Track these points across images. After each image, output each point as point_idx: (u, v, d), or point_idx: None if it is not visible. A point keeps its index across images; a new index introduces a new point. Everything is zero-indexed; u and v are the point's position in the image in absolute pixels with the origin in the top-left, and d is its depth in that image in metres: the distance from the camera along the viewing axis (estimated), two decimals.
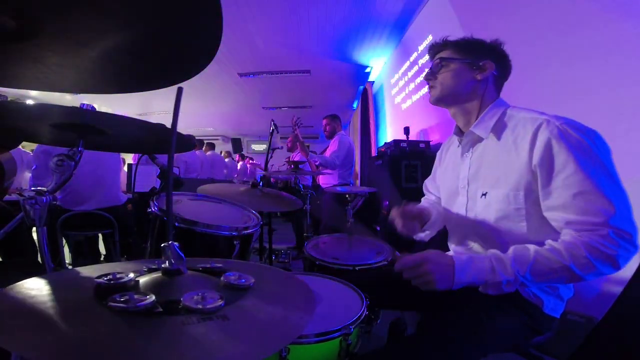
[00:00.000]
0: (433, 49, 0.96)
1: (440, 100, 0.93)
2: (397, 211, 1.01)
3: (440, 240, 1.12)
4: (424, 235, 1.07)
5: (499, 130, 0.86)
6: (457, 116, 0.96)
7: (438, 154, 1.15)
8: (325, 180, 3.35)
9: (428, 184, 1.21)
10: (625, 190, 0.71)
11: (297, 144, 3.15)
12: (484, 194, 0.87)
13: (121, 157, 2.71)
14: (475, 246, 0.92)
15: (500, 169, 0.84)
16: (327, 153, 3.36)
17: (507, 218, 0.82)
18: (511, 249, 0.75)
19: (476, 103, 0.91)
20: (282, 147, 5.09)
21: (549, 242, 0.74)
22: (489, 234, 0.86)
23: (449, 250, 1.05)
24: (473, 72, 0.89)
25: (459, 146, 0.98)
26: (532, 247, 0.74)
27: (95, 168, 2.22)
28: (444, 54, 0.93)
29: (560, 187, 0.73)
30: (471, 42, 0.92)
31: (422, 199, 1.23)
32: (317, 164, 3.15)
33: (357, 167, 6.18)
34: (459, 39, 0.93)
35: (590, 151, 0.71)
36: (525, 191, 0.79)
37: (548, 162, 0.74)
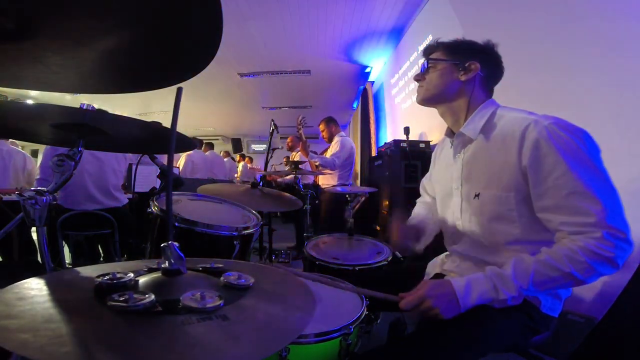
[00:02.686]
0: (426, 51, 0.97)
1: (425, 100, 0.95)
2: (395, 226, 1.02)
3: (434, 243, 1.12)
4: (418, 248, 1.07)
5: (488, 130, 0.87)
6: (446, 116, 0.96)
7: (433, 155, 1.15)
8: (325, 180, 3.35)
9: (425, 183, 1.22)
10: (616, 188, 0.71)
11: (300, 143, 3.16)
12: (477, 195, 0.87)
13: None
14: (467, 248, 0.92)
15: (491, 170, 0.84)
16: (328, 154, 3.37)
17: (500, 219, 0.83)
18: (510, 264, 0.76)
19: (463, 103, 0.91)
20: (282, 147, 5.10)
21: (544, 249, 0.75)
22: (484, 234, 0.87)
23: (445, 250, 1.05)
24: (458, 72, 0.90)
25: (451, 147, 0.98)
26: (529, 259, 0.75)
27: (97, 168, 2.22)
28: (434, 55, 0.94)
29: (552, 188, 0.73)
30: (461, 44, 0.93)
31: (418, 200, 1.23)
32: (317, 164, 3.16)
33: (357, 167, 6.18)
34: (450, 40, 0.94)
35: (579, 151, 0.72)
36: (516, 192, 0.79)
37: (538, 163, 0.75)
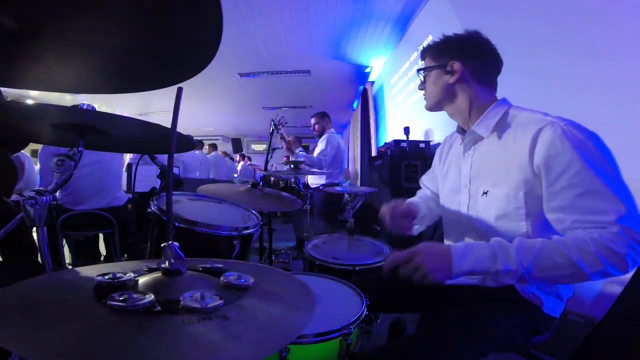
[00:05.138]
0: (421, 57, 0.99)
1: (429, 108, 0.99)
2: (386, 209, 1.02)
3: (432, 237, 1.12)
4: (413, 230, 1.07)
5: (500, 129, 0.86)
6: (454, 116, 0.97)
7: (438, 149, 1.15)
8: (313, 179, 3.29)
9: (424, 179, 1.22)
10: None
11: (285, 143, 3.15)
12: (485, 193, 0.87)
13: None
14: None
15: (501, 168, 0.84)
16: (316, 151, 3.29)
17: (507, 217, 0.82)
18: (516, 239, 0.72)
19: (464, 103, 0.91)
20: (282, 147, 5.10)
21: (555, 236, 0.71)
22: (489, 232, 0.86)
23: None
24: (446, 76, 0.90)
25: (461, 144, 0.98)
26: (537, 240, 0.71)
27: (97, 169, 2.23)
28: (425, 62, 0.96)
29: (567, 187, 0.71)
30: (440, 45, 0.93)
31: (417, 192, 1.23)
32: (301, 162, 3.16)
33: (357, 167, 6.18)
34: (432, 43, 0.95)
35: (595, 151, 0.70)
36: (526, 191, 0.79)
37: (552, 161, 0.73)
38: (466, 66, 0.88)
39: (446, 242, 1.04)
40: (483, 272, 0.71)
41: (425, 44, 0.98)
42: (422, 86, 0.98)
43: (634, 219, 0.66)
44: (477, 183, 0.90)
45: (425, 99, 0.99)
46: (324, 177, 3.18)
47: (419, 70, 0.97)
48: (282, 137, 3.14)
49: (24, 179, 3.08)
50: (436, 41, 0.95)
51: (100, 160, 2.23)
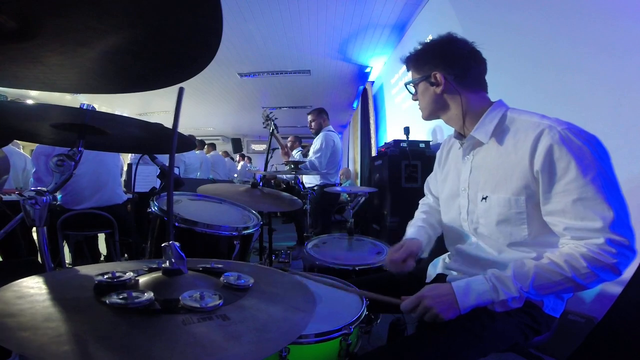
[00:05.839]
0: (406, 68, 0.99)
1: (427, 118, 0.98)
2: (386, 259, 1.00)
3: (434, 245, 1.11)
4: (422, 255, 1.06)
5: (499, 134, 0.86)
6: (450, 123, 0.96)
7: (438, 154, 1.14)
8: (308, 179, 3.21)
9: (430, 182, 1.20)
10: (623, 194, 0.71)
11: (285, 146, 3.10)
12: (484, 198, 0.87)
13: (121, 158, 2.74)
14: (473, 248, 0.92)
15: (501, 173, 0.84)
16: (311, 150, 3.20)
17: (508, 221, 0.83)
18: (510, 267, 0.77)
19: (456, 109, 0.91)
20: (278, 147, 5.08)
21: (547, 255, 0.75)
22: (490, 236, 0.87)
23: (445, 251, 1.05)
24: (432, 87, 0.90)
25: (460, 148, 0.97)
26: (530, 263, 0.75)
27: (95, 168, 2.23)
28: (410, 76, 0.97)
29: (561, 193, 0.73)
30: (419, 56, 0.93)
31: (420, 202, 1.23)
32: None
33: (357, 167, 6.18)
34: (411, 54, 0.95)
35: (591, 157, 0.72)
36: (527, 196, 0.79)
37: (550, 167, 0.75)
38: (448, 75, 0.88)
39: (447, 246, 1.04)
40: (489, 303, 0.76)
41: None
42: (415, 97, 0.98)
43: (621, 225, 0.69)
44: (476, 188, 0.90)
45: (420, 109, 0.98)
46: (318, 177, 3.10)
47: (406, 84, 0.98)
48: (275, 136, 3.11)
49: (24, 179, 3.09)
50: (414, 51, 0.94)
51: (94, 158, 2.23)
